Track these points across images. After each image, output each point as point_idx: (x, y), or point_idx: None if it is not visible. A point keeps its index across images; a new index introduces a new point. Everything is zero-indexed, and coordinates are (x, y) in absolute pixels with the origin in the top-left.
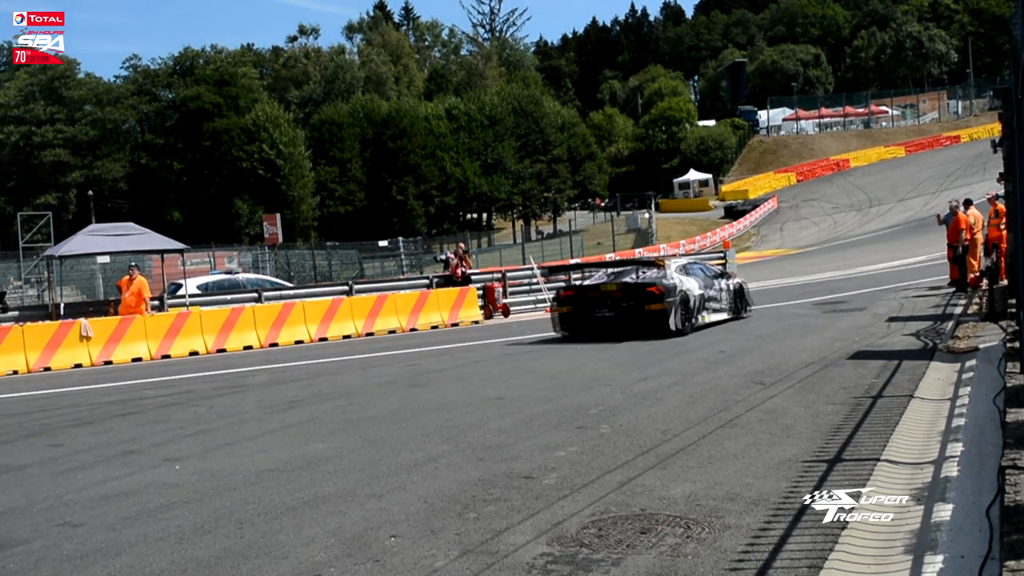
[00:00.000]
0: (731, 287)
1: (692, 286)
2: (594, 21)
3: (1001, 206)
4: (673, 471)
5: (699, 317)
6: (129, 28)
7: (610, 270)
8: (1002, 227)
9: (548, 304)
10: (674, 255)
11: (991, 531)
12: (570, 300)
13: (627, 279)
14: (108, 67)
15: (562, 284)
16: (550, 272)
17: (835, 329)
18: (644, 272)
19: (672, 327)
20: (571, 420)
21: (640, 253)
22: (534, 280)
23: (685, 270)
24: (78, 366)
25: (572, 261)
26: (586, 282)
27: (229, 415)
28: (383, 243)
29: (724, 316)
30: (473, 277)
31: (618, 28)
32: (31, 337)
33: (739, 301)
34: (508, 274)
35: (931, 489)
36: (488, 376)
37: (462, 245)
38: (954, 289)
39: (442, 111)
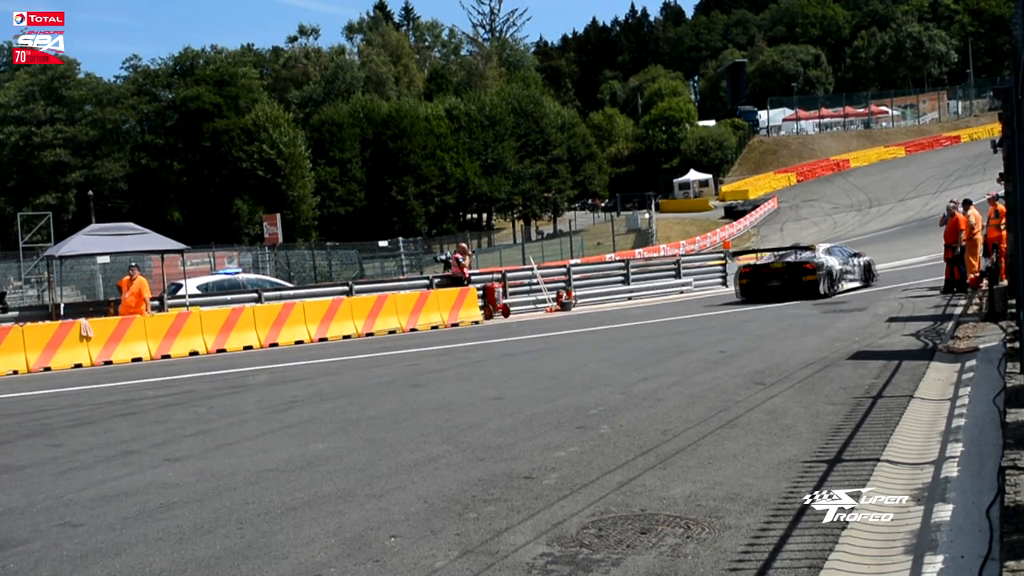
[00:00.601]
0: (862, 263)
1: (834, 263)
2: (594, 21)
3: (1001, 206)
4: (673, 471)
5: (839, 285)
6: (129, 28)
7: (776, 253)
8: (1002, 227)
9: (548, 304)
10: (674, 253)
11: (991, 531)
12: (748, 275)
13: (789, 259)
14: (108, 67)
15: (562, 284)
16: (734, 254)
17: (835, 329)
18: (800, 253)
19: (821, 292)
20: (571, 420)
21: (640, 253)
22: (534, 280)
23: (829, 251)
24: (78, 366)
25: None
26: (759, 261)
27: (229, 415)
28: (383, 243)
29: (857, 284)
30: (473, 277)
31: (618, 28)
32: (31, 337)
33: (867, 274)
34: (508, 274)
35: (931, 489)
36: (488, 376)
37: (464, 245)
38: (948, 292)
39: (442, 111)
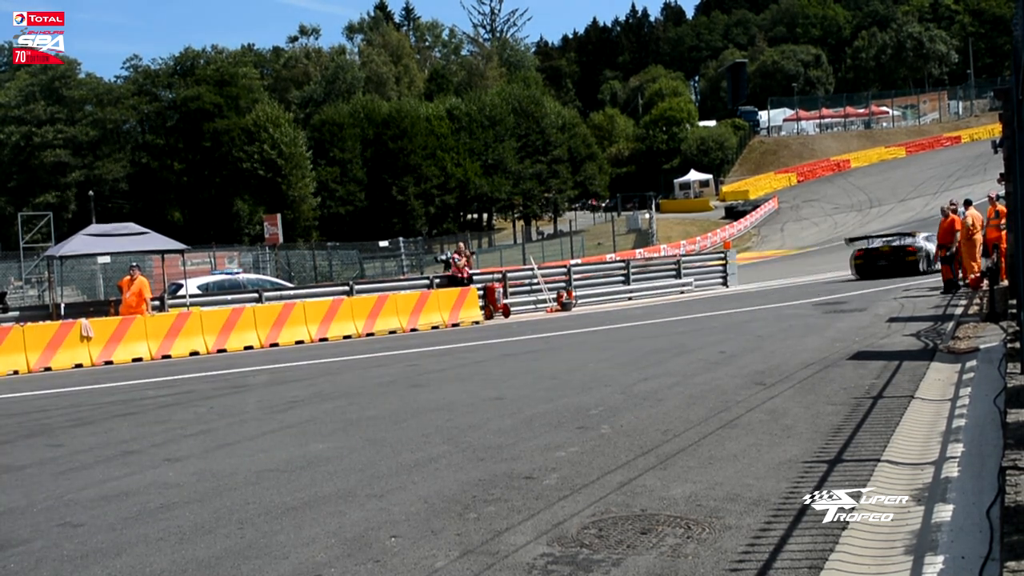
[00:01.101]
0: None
1: (931, 247)
2: (595, 21)
3: (1000, 207)
4: (673, 471)
5: (935, 265)
6: (129, 28)
7: (883, 239)
8: (1001, 227)
9: (549, 304)
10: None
11: (991, 532)
12: (861, 257)
13: (894, 243)
14: (108, 67)
15: (563, 284)
16: (849, 240)
17: (835, 329)
18: (904, 239)
19: (920, 269)
20: (571, 420)
21: (640, 253)
22: (534, 280)
23: (927, 238)
24: (79, 366)
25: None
26: (869, 246)
27: (229, 415)
28: (384, 243)
29: None
30: (474, 277)
31: (619, 28)
32: (32, 337)
33: None
34: (508, 274)
35: (931, 489)
36: (488, 376)
37: (462, 245)
38: (948, 292)
39: (443, 111)
